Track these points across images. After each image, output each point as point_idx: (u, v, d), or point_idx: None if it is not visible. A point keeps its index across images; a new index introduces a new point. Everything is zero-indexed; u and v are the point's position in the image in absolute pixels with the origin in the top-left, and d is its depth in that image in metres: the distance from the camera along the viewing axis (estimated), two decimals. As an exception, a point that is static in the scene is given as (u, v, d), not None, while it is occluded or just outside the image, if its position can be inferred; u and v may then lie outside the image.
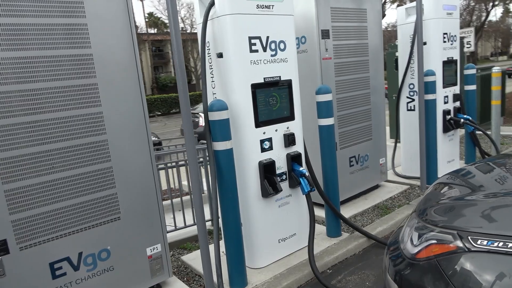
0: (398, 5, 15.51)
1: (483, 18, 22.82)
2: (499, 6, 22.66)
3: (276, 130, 3.01)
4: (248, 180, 2.91)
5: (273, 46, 2.93)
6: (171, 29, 2.35)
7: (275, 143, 3.01)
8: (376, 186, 4.73)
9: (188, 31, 34.73)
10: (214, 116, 2.61)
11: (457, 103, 4.96)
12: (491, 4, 19.39)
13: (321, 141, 3.38)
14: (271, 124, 2.98)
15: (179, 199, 4.11)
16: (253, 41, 2.80)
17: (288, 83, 3.06)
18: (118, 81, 2.44)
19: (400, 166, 5.29)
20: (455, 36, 4.82)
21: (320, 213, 3.80)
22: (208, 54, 2.90)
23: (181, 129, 12.79)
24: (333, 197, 3.42)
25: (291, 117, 3.11)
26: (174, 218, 3.95)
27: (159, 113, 26.01)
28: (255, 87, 2.84)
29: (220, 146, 2.63)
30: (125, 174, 2.48)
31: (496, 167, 2.41)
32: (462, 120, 4.79)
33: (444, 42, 4.67)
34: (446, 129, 4.81)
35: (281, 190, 2.97)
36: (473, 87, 5.13)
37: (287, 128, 3.09)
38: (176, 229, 3.95)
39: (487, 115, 6.83)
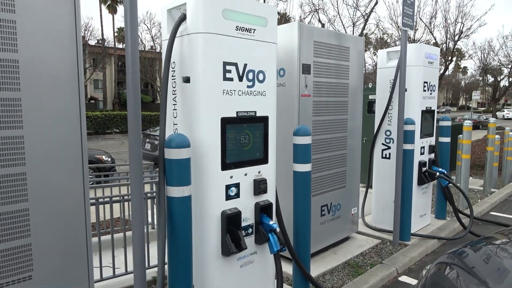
0: (375, 49, 16.02)
1: (441, 71, 24.53)
2: (453, 61, 24.57)
3: (245, 174, 2.53)
4: (206, 234, 2.37)
5: (250, 76, 2.49)
6: (127, 45, 1.86)
7: (243, 190, 2.52)
8: (346, 238, 4.32)
9: (157, 50, 34.07)
10: (172, 154, 2.09)
11: (432, 155, 4.76)
12: (449, 58, 21.08)
13: (296, 189, 2.93)
14: (240, 166, 2.49)
15: (124, 235, 3.46)
16: (228, 67, 2.35)
17: (264, 120, 2.62)
18: (50, 98, 1.87)
19: (370, 215, 4.96)
20: (434, 85, 4.68)
21: (286, 268, 3.30)
22: (172, 76, 2.41)
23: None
24: (304, 254, 2.94)
25: (264, 160, 2.64)
26: (113, 261, 3.29)
27: (117, 130, 24.77)
28: (225, 122, 2.37)
29: (175, 192, 2.09)
30: (46, 219, 1.87)
31: (495, 255, 2.09)
32: (437, 173, 4.57)
33: (424, 91, 4.50)
34: (421, 182, 4.56)
35: (246, 248, 2.45)
36: (447, 139, 4.97)
37: (259, 172, 2.61)
38: (114, 276, 3.29)
39: (451, 165, 6.78)
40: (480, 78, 31.49)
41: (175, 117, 2.45)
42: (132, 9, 1.91)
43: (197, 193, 2.32)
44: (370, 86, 6.76)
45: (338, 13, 12.86)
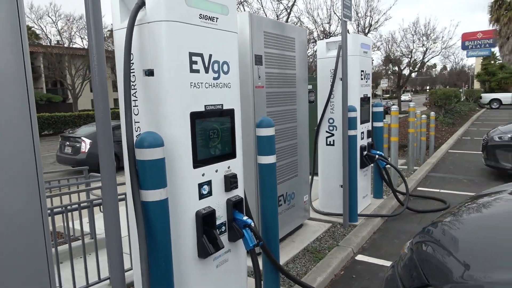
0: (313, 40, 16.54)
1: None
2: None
3: (216, 171, 2.41)
4: (182, 236, 2.21)
5: (215, 67, 2.37)
6: (91, 39, 1.62)
7: (215, 187, 2.40)
8: (300, 226, 4.42)
9: (66, 45, 31.17)
10: (145, 154, 1.90)
11: (370, 139, 5.08)
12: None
13: (261, 182, 2.89)
14: (211, 163, 2.37)
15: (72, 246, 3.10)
16: (194, 58, 2.20)
17: (231, 113, 2.52)
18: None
19: (317, 200, 5.14)
20: (369, 74, 4.98)
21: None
22: (131, 70, 2.18)
23: (57, 155, 10.87)
24: (274, 246, 2.93)
25: (232, 155, 2.55)
26: (73, 274, 2.95)
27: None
28: (195, 117, 2.22)
29: (151, 196, 1.91)
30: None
31: (448, 229, 2.30)
32: (376, 156, 4.89)
33: (362, 79, 4.76)
34: (363, 165, 4.84)
35: (223, 247, 2.35)
36: (381, 123, 5.35)
37: (228, 167, 2.51)
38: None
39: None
40: (385, 67, 34.45)
41: (136, 114, 2.23)
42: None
43: (170, 194, 2.15)
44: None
45: (262, 6, 13.05)
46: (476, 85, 37.39)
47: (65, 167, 10.40)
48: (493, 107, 27.88)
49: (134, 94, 2.21)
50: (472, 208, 2.57)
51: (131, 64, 2.17)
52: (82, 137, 10.09)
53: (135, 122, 2.24)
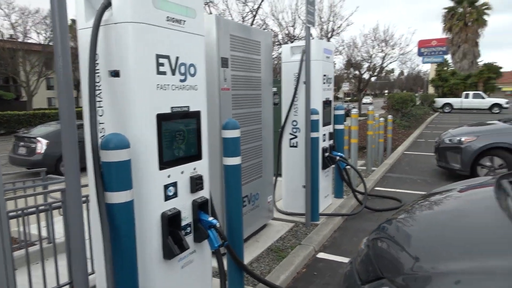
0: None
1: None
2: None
3: (182, 172, 2.43)
4: (147, 238, 2.22)
5: (182, 69, 2.39)
6: (56, 34, 1.60)
7: (181, 189, 2.42)
8: (264, 226, 4.51)
9: (20, 40, 29.53)
10: (110, 156, 1.89)
11: (331, 141, 5.27)
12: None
13: (227, 183, 2.94)
14: (177, 164, 2.38)
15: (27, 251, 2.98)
16: (161, 60, 2.22)
17: (197, 115, 2.55)
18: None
19: (281, 201, 5.26)
20: (331, 78, 5.16)
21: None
22: (96, 70, 2.16)
23: (10, 156, 10.27)
24: (238, 246, 2.99)
25: (198, 156, 2.58)
26: (30, 280, 2.84)
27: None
28: (161, 119, 2.23)
29: (116, 198, 1.91)
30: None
31: (401, 226, 2.46)
32: (337, 157, 5.08)
33: (324, 83, 4.93)
34: (324, 166, 5.01)
35: (188, 248, 2.38)
36: (342, 126, 5.56)
37: (194, 169, 2.54)
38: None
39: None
40: (346, 71, 35.51)
41: (100, 116, 2.21)
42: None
43: (135, 196, 2.14)
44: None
45: (228, 7, 13.07)
46: (431, 90, 39.45)
47: (19, 169, 9.88)
48: (446, 111, 29.55)
49: (98, 95, 2.19)
50: (423, 206, 2.75)
51: (96, 65, 2.15)
52: (38, 137, 9.62)
53: (99, 123, 2.21)
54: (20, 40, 29.58)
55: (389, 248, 2.19)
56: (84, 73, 2.15)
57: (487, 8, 31.92)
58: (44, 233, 3.72)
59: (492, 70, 36.74)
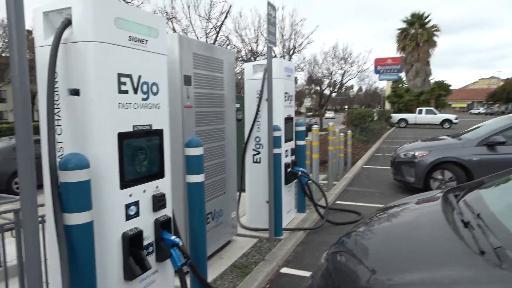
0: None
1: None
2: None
3: (144, 191, 2.41)
4: (107, 259, 2.17)
5: (145, 88, 2.40)
6: (13, 46, 1.58)
7: (143, 208, 2.40)
8: (228, 242, 4.50)
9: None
10: (69, 176, 1.86)
11: (293, 157, 5.39)
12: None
13: (190, 201, 2.94)
14: (139, 183, 2.37)
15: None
16: (123, 79, 2.22)
17: (160, 133, 2.55)
18: None
19: (245, 216, 5.28)
20: (292, 96, 5.32)
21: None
22: (54, 88, 2.12)
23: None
24: (202, 264, 2.97)
25: (161, 174, 2.57)
26: None
27: None
28: (123, 137, 2.22)
29: (75, 219, 1.87)
30: None
31: (360, 239, 2.57)
32: (299, 172, 5.20)
33: (285, 100, 5.07)
34: (287, 181, 5.11)
35: (150, 268, 2.35)
36: (303, 142, 5.71)
37: (157, 187, 2.53)
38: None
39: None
40: (308, 87, 36.48)
41: (59, 134, 2.16)
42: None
43: (95, 216, 2.10)
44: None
45: (191, 23, 13.12)
46: (387, 105, 41.36)
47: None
48: (401, 126, 31.03)
49: (57, 114, 2.15)
50: (380, 220, 2.89)
51: (55, 83, 2.12)
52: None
53: (57, 142, 2.16)
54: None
55: (348, 262, 2.28)
56: (42, 91, 2.10)
57: (436, 30, 34.20)
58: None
59: (443, 88, 39.23)
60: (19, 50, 1.62)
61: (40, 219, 2.85)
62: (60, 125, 2.15)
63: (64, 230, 1.87)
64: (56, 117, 2.15)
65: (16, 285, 2.98)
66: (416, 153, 7.25)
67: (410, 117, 31.42)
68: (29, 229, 1.66)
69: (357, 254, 2.31)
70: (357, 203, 6.68)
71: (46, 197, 2.15)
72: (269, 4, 4.23)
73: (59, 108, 2.14)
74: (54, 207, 1.87)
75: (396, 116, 32.25)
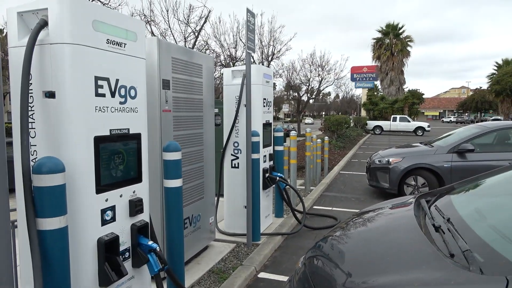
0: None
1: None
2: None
3: (121, 196, 2.38)
4: (82, 265, 2.13)
5: (122, 91, 2.38)
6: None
7: (119, 212, 2.37)
8: (206, 247, 4.48)
9: None
10: (43, 180, 1.82)
11: (271, 162, 5.43)
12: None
13: (167, 205, 2.92)
14: (115, 188, 2.33)
15: None
16: (100, 82, 2.19)
17: (137, 137, 2.53)
18: None
19: (223, 221, 5.26)
20: (270, 102, 5.37)
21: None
22: (29, 90, 2.07)
23: None
24: (179, 270, 2.95)
25: (138, 179, 2.54)
26: None
27: None
28: (99, 141, 2.19)
29: (49, 224, 1.83)
30: None
31: (336, 243, 2.62)
32: (277, 178, 5.24)
33: (264, 106, 5.11)
34: (265, 186, 5.14)
35: (127, 274, 2.31)
36: (281, 147, 5.76)
37: (134, 192, 2.50)
38: None
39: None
40: (286, 93, 36.86)
41: (33, 137, 2.11)
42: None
43: (69, 221, 2.06)
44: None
45: (170, 27, 13.04)
46: (363, 113, 42.26)
47: None
48: (376, 133, 31.76)
49: (31, 116, 2.10)
50: (355, 224, 2.95)
51: (29, 85, 2.07)
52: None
53: (31, 145, 2.11)
54: None
55: (324, 266, 2.32)
56: (15, 93, 2.05)
57: (410, 41, 35.39)
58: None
59: (416, 96, 40.43)
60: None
61: (11, 224, 2.76)
62: (34, 128, 2.10)
63: (38, 235, 1.82)
64: (30, 120, 2.10)
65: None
66: (391, 160, 7.44)
67: (385, 124, 32.21)
68: (0, 235, 1.60)
69: (333, 258, 2.35)
70: (334, 208, 6.78)
71: (18, 202, 2.09)
72: (248, 11, 4.27)
73: (33, 110, 2.09)
74: (27, 212, 1.82)
75: (372, 123, 32.99)
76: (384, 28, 36.17)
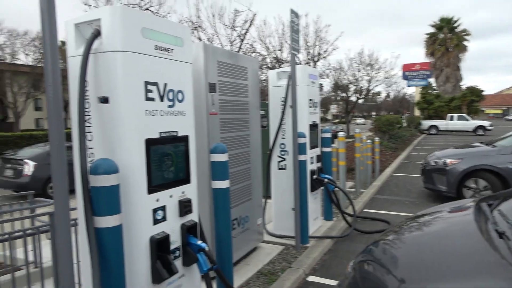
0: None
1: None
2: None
3: (170, 196, 2.46)
4: (135, 262, 2.21)
5: (171, 95, 2.46)
6: (47, 57, 1.65)
7: (169, 212, 2.44)
8: (255, 249, 4.49)
9: (7, 61, 29.46)
10: (99, 181, 1.92)
11: (319, 164, 5.34)
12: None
13: (216, 206, 2.96)
14: (165, 188, 2.41)
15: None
16: (149, 87, 2.28)
17: (185, 139, 2.60)
18: None
19: (271, 223, 5.25)
20: (316, 102, 5.28)
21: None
22: (85, 96, 2.21)
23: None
24: (228, 270, 2.98)
25: (187, 180, 2.61)
26: None
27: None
28: (150, 143, 2.27)
29: (105, 222, 1.92)
30: None
31: (388, 248, 2.50)
32: (325, 179, 5.14)
33: (310, 107, 5.04)
34: (313, 188, 5.06)
35: (177, 272, 2.37)
36: (329, 149, 5.64)
37: (183, 192, 2.57)
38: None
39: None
40: (334, 94, 36.15)
41: (90, 141, 2.24)
42: (51, 22, 1.71)
43: (124, 220, 2.15)
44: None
45: (216, 32, 13.36)
46: (417, 112, 40.31)
47: (5, 192, 9.69)
48: (432, 133, 30.12)
49: (88, 120, 2.23)
50: (409, 228, 2.81)
51: (86, 91, 2.20)
52: (25, 159, 9.51)
53: (88, 148, 2.24)
54: (8, 61, 29.52)
55: (375, 271, 2.22)
56: (74, 99, 2.19)
57: (467, 34, 33.15)
58: (31, 257, 3.66)
59: (475, 93, 37.87)
60: (53, 61, 1.70)
61: (73, 222, 2.95)
62: (91, 132, 2.23)
63: (95, 232, 1.92)
64: (87, 124, 2.23)
65: (51, 285, 3.09)
66: (448, 161, 7.00)
67: (441, 123, 30.47)
68: (61, 231, 1.72)
69: (385, 263, 2.25)
70: (386, 212, 6.51)
71: (78, 201, 2.23)
72: (292, 11, 4.25)
73: (90, 115, 2.22)
74: (85, 211, 1.93)
75: (426, 123, 31.36)
76: (438, 22, 34.23)
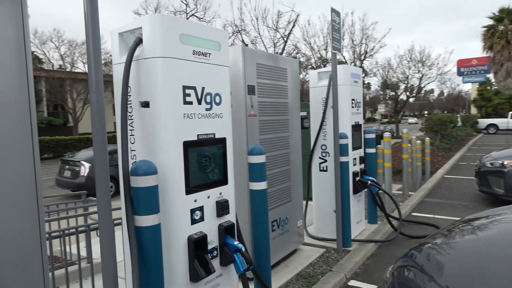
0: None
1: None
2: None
3: (208, 197, 2.52)
4: (174, 261, 2.30)
5: (208, 98, 2.52)
6: (90, 64, 1.77)
7: (207, 213, 2.50)
8: (295, 251, 4.47)
9: (68, 70, 31.75)
10: (139, 181, 2.01)
11: (362, 165, 5.19)
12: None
13: (253, 208, 2.99)
14: (203, 189, 2.48)
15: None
16: (187, 91, 2.36)
17: (223, 141, 2.65)
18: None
19: (312, 225, 5.20)
20: (360, 102, 5.15)
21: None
22: (128, 101, 2.33)
23: (57, 178, 10.92)
24: (265, 272, 2.99)
25: (224, 181, 2.66)
26: None
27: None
28: (188, 146, 2.35)
29: (144, 221, 2.01)
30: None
31: (433, 253, 2.37)
32: (369, 182, 4.99)
33: (352, 107, 4.93)
34: (355, 190, 4.93)
35: (214, 272, 2.43)
36: (373, 150, 5.47)
37: (220, 193, 2.62)
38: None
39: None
40: (382, 93, 34.95)
41: (132, 143, 2.36)
42: (94, 29, 1.83)
43: (163, 219, 2.25)
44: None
45: (259, 34, 13.48)
46: (473, 110, 37.84)
47: (64, 191, 10.45)
48: (490, 132, 28.13)
49: (131, 124, 2.35)
50: (463, 231, 2.64)
51: (129, 96, 2.32)
52: (81, 161, 10.19)
53: (131, 150, 2.36)
54: (68, 70, 31.77)
55: (416, 278, 2.12)
56: (117, 104, 2.32)
57: (531, 25, 30.53)
58: (83, 253, 3.92)
59: (540, 88, 34.67)
60: (96, 68, 1.81)
61: (120, 221, 3.12)
62: (133, 135, 2.35)
63: (135, 231, 2.02)
64: (130, 127, 2.35)
65: (101, 280, 3.29)
66: (506, 162, 6.51)
67: (501, 122, 28.36)
68: (104, 229, 1.83)
69: (428, 270, 2.14)
70: (436, 216, 6.18)
71: (121, 201, 2.36)
72: (333, 10, 4.17)
73: (132, 119, 2.34)
74: (126, 210, 2.04)
75: (484, 121, 29.33)
76: (497, 13, 31.89)
